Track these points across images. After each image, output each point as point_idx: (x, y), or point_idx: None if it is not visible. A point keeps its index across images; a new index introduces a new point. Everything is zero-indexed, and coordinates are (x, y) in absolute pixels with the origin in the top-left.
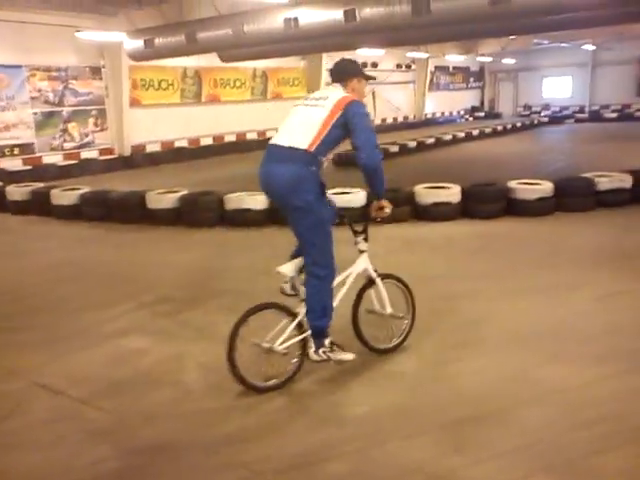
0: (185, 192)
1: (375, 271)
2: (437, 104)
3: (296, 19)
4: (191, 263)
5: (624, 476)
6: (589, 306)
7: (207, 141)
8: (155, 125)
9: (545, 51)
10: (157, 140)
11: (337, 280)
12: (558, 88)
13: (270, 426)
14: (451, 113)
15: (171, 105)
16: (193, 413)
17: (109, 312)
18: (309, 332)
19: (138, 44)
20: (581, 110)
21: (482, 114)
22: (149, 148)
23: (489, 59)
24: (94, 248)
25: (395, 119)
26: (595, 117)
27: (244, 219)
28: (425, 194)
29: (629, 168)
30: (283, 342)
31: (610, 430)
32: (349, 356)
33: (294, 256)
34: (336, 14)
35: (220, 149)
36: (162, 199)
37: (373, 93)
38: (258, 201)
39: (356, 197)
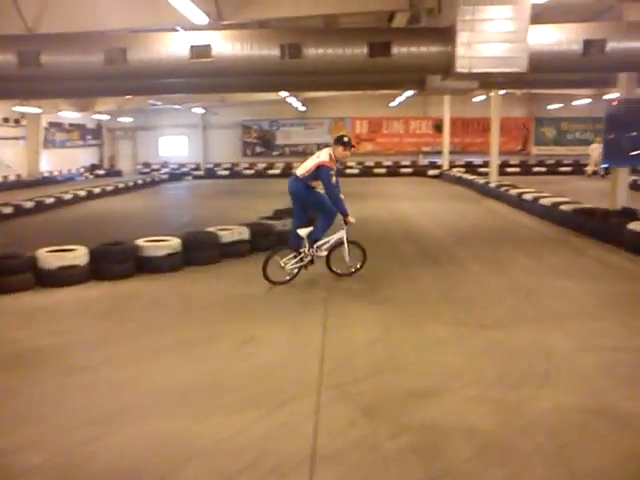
0: None
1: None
2: (54, 162)
3: None
4: None
5: None
6: (229, 356)
7: None
8: None
9: (162, 111)
10: None
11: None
12: (175, 147)
13: None
14: (70, 171)
15: None
16: None
17: None
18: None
19: None
20: (197, 168)
21: (103, 172)
22: None
23: (106, 117)
24: None
25: (6, 177)
26: (210, 174)
27: None
28: (49, 258)
29: (244, 221)
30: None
31: (269, 467)
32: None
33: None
34: None
35: None
36: None
37: None
38: None
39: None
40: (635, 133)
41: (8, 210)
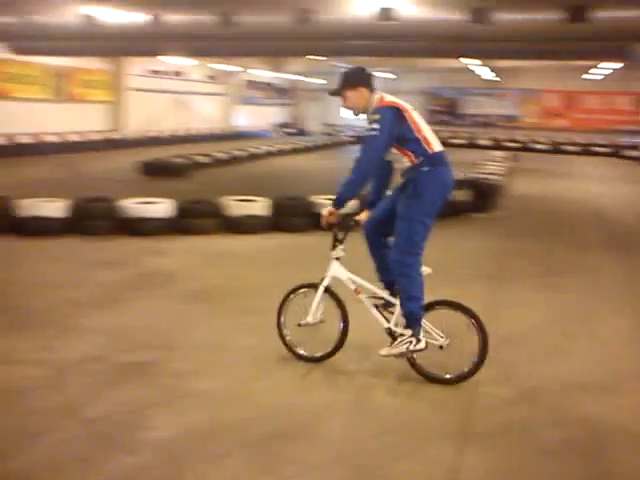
0: None
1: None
2: (247, 118)
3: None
4: None
5: None
6: None
7: None
8: None
9: None
10: None
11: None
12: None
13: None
14: (261, 127)
15: None
16: None
17: None
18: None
19: None
20: None
21: (293, 130)
22: None
23: (297, 77)
24: None
25: (204, 131)
26: None
27: (38, 228)
28: (235, 206)
29: None
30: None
31: None
32: None
33: None
34: (139, 17)
35: (12, 150)
36: None
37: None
38: (56, 208)
39: (158, 207)
40: None
41: (205, 160)
